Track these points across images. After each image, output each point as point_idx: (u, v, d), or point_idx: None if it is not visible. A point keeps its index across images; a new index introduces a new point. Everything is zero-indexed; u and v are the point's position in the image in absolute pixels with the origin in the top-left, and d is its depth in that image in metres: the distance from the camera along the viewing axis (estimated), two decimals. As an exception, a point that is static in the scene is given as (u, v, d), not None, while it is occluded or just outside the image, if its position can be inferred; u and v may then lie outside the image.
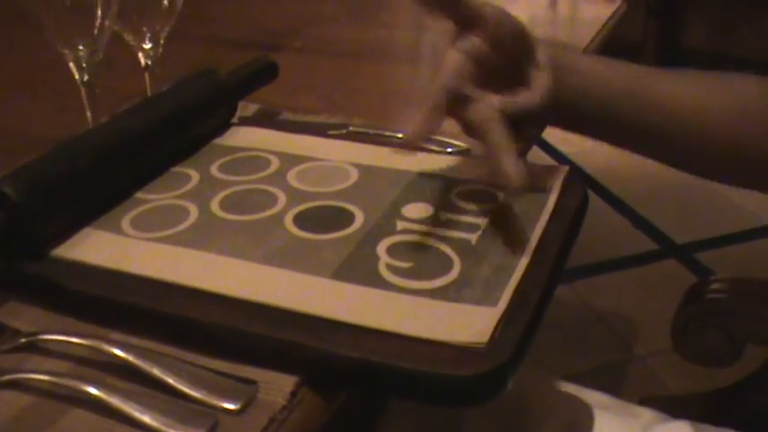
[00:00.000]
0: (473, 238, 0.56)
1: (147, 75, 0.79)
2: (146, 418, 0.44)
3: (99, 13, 0.68)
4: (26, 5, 0.66)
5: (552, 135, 2.54)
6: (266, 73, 0.78)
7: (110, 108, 0.73)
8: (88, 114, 0.73)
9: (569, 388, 0.78)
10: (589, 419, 0.73)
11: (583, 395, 0.76)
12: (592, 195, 2.27)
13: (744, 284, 0.80)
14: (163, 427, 0.43)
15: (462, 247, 0.55)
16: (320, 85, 0.90)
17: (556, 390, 0.78)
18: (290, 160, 0.67)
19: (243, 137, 0.71)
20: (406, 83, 0.97)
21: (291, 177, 0.65)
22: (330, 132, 0.74)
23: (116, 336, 0.50)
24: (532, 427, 0.73)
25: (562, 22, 1.28)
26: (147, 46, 0.77)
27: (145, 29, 0.76)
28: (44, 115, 0.87)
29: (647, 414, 0.76)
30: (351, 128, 0.75)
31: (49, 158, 0.59)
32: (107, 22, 0.69)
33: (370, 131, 0.75)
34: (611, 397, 0.78)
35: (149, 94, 0.78)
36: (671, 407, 0.78)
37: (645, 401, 0.80)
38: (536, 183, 0.62)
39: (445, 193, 0.62)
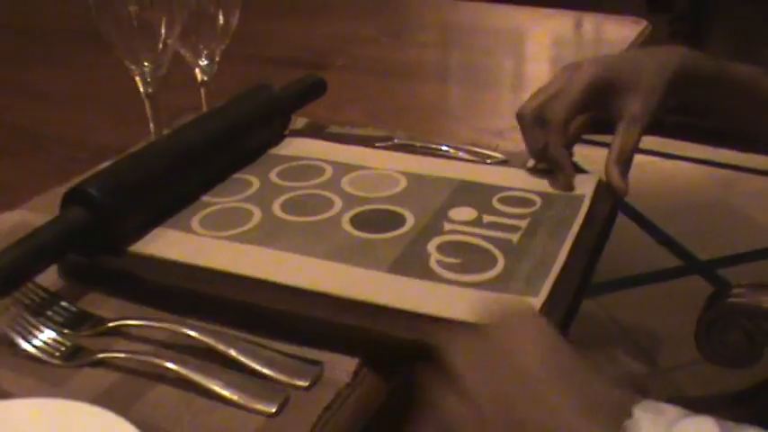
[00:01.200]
0: (515, 238, 0.61)
1: (202, 90, 0.84)
2: (226, 393, 0.49)
3: (163, 32, 0.74)
4: (99, 25, 0.72)
5: (578, 155, 2.57)
6: (316, 88, 0.84)
7: (167, 120, 0.79)
8: (151, 125, 0.78)
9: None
10: None
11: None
12: (618, 213, 2.29)
13: (764, 289, 0.83)
14: (241, 401, 0.49)
15: (505, 246, 0.60)
16: (364, 101, 0.96)
17: None
18: (342, 168, 0.72)
19: (297, 147, 0.77)
20: (442, 99, 1.02)
21: (345, 183, 0.70)
22: (377, 144, 0.79)
23: (192, 322, 0.55)
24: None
25: (587, 43, 1.32)
26: (204, 63, 0.82)
27: (201, 47, 0.81)
28: (105, 127, 0.93)
29: (672, 410, 0.79)
30: (396, 140, 0.81)
31: (127, 164, 0.65)
32: (170, 41, 0.75)
33: (415, 144, 0.80)
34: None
35: (204, 108, 0.83)
36: (694, 407, 0.81)
37: (670, 401, 0.84)
38: (571, 189, 0.68)
39: (487, 198, 0.67)
